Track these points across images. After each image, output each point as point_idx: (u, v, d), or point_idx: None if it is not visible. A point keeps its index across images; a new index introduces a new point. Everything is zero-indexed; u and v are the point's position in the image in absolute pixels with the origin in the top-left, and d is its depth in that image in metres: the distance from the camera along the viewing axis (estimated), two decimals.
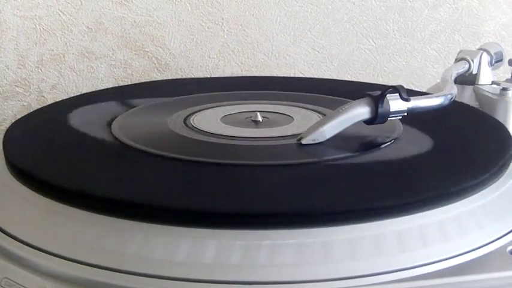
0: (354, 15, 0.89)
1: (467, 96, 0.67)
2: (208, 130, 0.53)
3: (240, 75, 0.88)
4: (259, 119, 0.55)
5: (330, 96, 0.64)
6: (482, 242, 0.40)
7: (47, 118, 0.58)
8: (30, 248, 0.40)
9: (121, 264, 0.37)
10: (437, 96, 0.52)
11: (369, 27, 0.90)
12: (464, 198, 0.42)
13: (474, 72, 0.67)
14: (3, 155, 0.49)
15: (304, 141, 0.49)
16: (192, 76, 0.87)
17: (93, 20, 0.83)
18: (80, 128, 0.54)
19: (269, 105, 0.60)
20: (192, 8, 0.85)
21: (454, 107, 0.55)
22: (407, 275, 0.37)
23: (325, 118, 0.50)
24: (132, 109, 0.60)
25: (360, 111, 0.49)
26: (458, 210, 0.41)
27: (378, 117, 0.49)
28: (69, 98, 0.68)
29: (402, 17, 0.90)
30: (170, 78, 0.85)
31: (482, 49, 0.68)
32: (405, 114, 0.50)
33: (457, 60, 0.68)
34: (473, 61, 0.67)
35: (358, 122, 0.49)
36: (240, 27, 0.87)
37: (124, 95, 0.66)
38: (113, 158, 0.48)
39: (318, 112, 0.58)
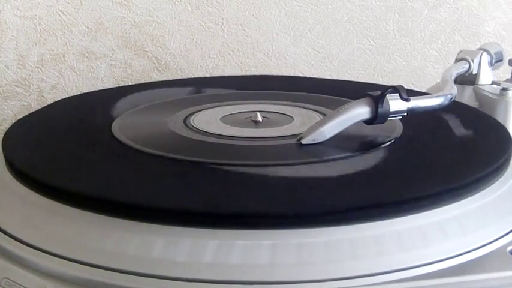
0: (354, 15, 0.89)
1: (467, 96, 0.67)
2: (208, 130, 0.53)
3: (240, 75, 0.88)
4: (259, 119, 0.55)
5: (330, 96, 0.64)
6: (482, 242, 0.40)
7: (47, 118, 0.58)
8: (30, 248, 0.40)
9: (121, 264, 0.37)
10: (437, 96, 0.52)
11: (369, 27, 0.90)
12: (464, 198, 0.42)
13: (474, 72, 0.67)
14: (3, 155, 0.49)
15: (304, 141, 0.49)
16: (192, 76, 0.87)
17: (93, 20, 0.83)
18: (79, 128, 0.54)
19: (269, 105, 0.60)
20: (192, 8, 0.85)
21: (454, 107, 0.55)
22: (407, 275, 0.37)
23: (325, 118, 0.50)
24: (132, 109, 0.60)
25: (360, 111, 0.49)
26: (458, 210, 0.41)
27: (377, 117, 0.49)
28: (69, 97, 0.68)
29: (402, 17, 0.90)
30: (170, 78, 0.85)
31: (482, 49, 0.68)
32: (405, 114, 0.50)
33: (457, 60, 0.68)
34: (473, 61, 0.67)
35: (358, 122, 0.49)
36: (240, 27, 0.87)
37: (124, 95, 0.66)
38: (113, 158, 0.48)
39: (318, 112, 0.58)
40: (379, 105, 0.49)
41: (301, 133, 0.50)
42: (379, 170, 0.45)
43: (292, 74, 0.89)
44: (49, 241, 0.40)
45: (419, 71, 0.92)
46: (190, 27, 0.86)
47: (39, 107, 0.63)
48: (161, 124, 0.54)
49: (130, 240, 0.38)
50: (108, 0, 0.82)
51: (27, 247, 0.40)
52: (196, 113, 0.58)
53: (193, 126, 0.54)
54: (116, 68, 0.85)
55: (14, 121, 0.58)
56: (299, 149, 0.48)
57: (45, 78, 0.83)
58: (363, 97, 0.50)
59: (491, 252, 0.40)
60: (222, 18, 0.86)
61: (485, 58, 0.67)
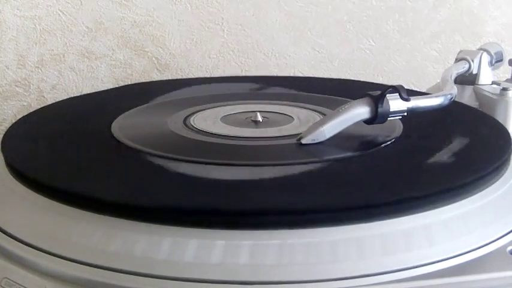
0: (354, 15, 0.89)
1: (467, 96, 0.67)
2: (208, 130, 0.53)
3: (240, 75, 0.88)
4: (259, 119, 0.55)
5: (330, 96, 0.64)
6: (482, 242, 0.40)
7: (47, 118, 0.58)
8: (30, 248, 0.40)
9: (121, 264, 0.37)
10: (437, 96, 0.52)
11: (369, 27, 0.90)
12: (464, 198, 0.42)
13: (474, 72, 0.67)
14: (2, 155, 0.49)
15: (304, 141, 0.49)
16: (192, 76, 0.87)
17: (93, 20, 0.83)
18: (80, 129, 0.54)
19: (269, 105, 0.60)
20: (192, 8, 0.85)
21: (454, 107, 0.55)
22: (407, 275, 0.37)
23: (325, 118, 0.50)
24: (132, 109, 0.60)
25: (360, 111, 0.49)
26: (458, 211, 0.41)
27: (377, 117, 0.49)
28: (69, 98, 0.68)
29: (402, 17, 0.90)
30: (170, 78, 0.85)
31: (482, 49, 0.68)
32: (405, 114, 0.50)
33: (457, 60, 0.68)
34: (473, 61, 0.67)
35: (358, 122, 0.49)
36: (240, 27, 0.87)
37: (124, 95, 0.66)
38: (113, 159, 0.48)
39: (318, 112, 0.58)
40: (379, 105, 0.49)
41: (301, 133, 0.50)
42: (379, 170, 0.45)
43: (292, 74, 0.89)
44: (49, 241, 0.40)
45: (419, 71, 0.92)
46: (190, 27, 0.86)
47: (39, 107, 0.63)
48: (161, 124, 0.54)
49: (131, 240, 0.38)
50: (108, 0, 0.83)
51: (27, 247, 0.40)
52: (196, 113, 0.58)
53: (193, 126, 0.54)
54: (116, 68, 0.85)
55: (14, 121, 0.58)
56: (299, 149, 0.48)
57: (45, 78, 0.83)
58: (362, 97, 0.50)
59: (491, 252, 0.40)
60: (222, 18, 0.86)
61: (485, 58, 0.67)
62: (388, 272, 0.37)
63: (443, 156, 0.48)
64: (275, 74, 0.88)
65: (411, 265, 0.37)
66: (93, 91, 0.77)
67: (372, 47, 0.90)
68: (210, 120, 0.55)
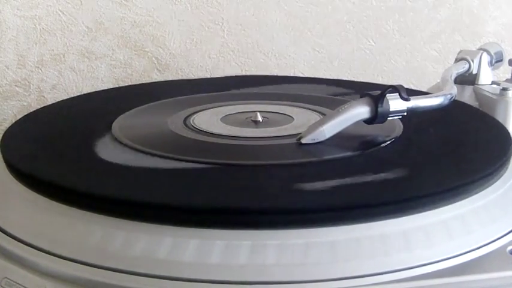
0: (354, 15, 0.89)
1: (467, 96, 0.67)
2: (208, 130, 0.53)
3: (240, 75, 0.88)
4: (259, 119, 0.55)
5: (330, 96, 0.64)
6: (482, 242, 0.40)
7: (47, 118, 0.58)
8: (30, 248, 0.40)
9: (121, 264, 0.37)
10: (437, 96, 0.52)
11: (369, 27, 0.90)
12: (464, 198, 0.42)
13: (474, 72, 0.67)
14: (2, 155, 0.49)
15: (304, 141, 0.49)
16: (192, 76, 0.87)
17: (93, 20, 0.83)
18: (80, 129, 0.54)
19: (269, 105, 0.60)
20: (192, 8, 0.85)
21: (454, 107, 0.55)
22: (406, 275, 0.37)
23: (325, 117, 0.50)
24: (132, 110, 0.60)
25: (360, 110, 0.49)
26: (458, 211, 0.41)
27: (377, 116, 0.49)
28: (69, 98, 0.68)
29: (402, 17, 0.90)
30: (170, 78, 0.85)
31: (482, 49, 0.68)
32: (405, 113, 0.50)
33: (457, 60, 0.68)
34: (473, 61, 0.67)
35: (358, 122, 0.49)
36: (240, 27, 0.87)
37: (124, 95, 0.66)
38: (113, 159, 0.48)
39: (318, 112, 0.58)
40: (379, 105, 0.49)
41: (301, 133, 0.50)
42: (379, 170, 0.45)
43: (292, 74, 0.89)
44: (49, 241, 0.40)
45: (419, 71, 0.92)
46: (190, 27, 0.86)
47: (39, 107, 0.63)
48: (161, 124, 0.54)
49: (130, 240, 0.38)
50: (108, 0, 0.83)
51: (27, 247, 0.40)
52: (196, 113, 0.58)
53: (193, 126, 0.54)
54: (116, 68, 0.85)
55: (14, 121, 0.58)
56: (299, 149, 0.48)
57: (45, 78, 0.83)
58: (362, 97, 0.50)
59: (491, 252, 0.40)
60: (222, 18, 0.86)
61: (485, 58, 0.67)
62: (388, 272, 0.37)
63: (443, 156, 0.48)
64: (275, 74, 0.88)
65: (411, 265, 0.37)
66: (93, 91, 0.77)
67: (372, 47, 0.90)
68: (210, 120, 0.55)
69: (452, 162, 0.46)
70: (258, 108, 0.58)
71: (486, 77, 0.67)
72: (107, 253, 0.38)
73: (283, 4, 0.87)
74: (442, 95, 0.52)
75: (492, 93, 0.64)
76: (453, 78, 0.61)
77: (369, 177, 0.44)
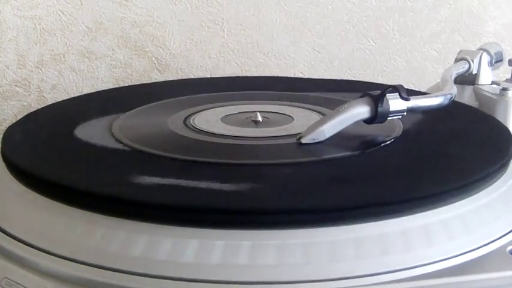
0: (354, 15, 0.89)
1: (467, 96, 0.67)
2: (208, 130, 0.53)
3: (240, 75, 0.88)
4: (259, 119, 0.55)
5: (330, 96, 0.64)
6: (482, 242, 0.40)
7: (47, 118, 0.58)
8: (30, 248, 0.40)
9: (121, 264, 0.37)
10: (437, 96, 0.52)
11: (369, 27, 0.90)
12: (464, 198, 0.42)
13: (474, 72, 0.67)
14: (2, 155, 0.49)
15: (304, 141, 0.49)
16: (192, 76, 0.87)
17: (93, 20, 0.83)
18: (80, 129, 0.54)
19: (269, 105, 0.60)
20: (192, 8, 0.85)
21: (454, 107, 0.55)
22: (406, 275, 0.37)
23: (325, 117, 0.50)
24: (132, 110, 0.60)
25: (360, 110, 0.49)
26: (458, 210, 0.41)
27: (377, 116, 0.49)
28: (70, 98, 0.68)
29: (402, 17, 0.90)
30: (170, 78, 0.85)
31: (482, 49, 0.68)
32: (405, 113, 0.50)
33: (457, 60, 0.68)
34: (473, 61, 0.67)
35: (358, 122, 0.49)
36: (240, 27, 0.87)
37: (124, 95, 0.66)
38: (113, 159, 0.48)
39: (318, 112, 0.58)
40: (379, 105, 0.49)
41: (301, 133, 0.50)
42: (379, 170, 0.45)
43: (292, 74, 0.89)
44: (49, 241, 0.40)
45: (419, 71, 0.92)
46: (190, 27, 0.86)
47: (39, 107, 0.63)
48: (161, 124, 0.54)
49: (130, 240, 0.38)
50: (108, 0, 0.83)
51: (27, 247, 0.40)
52: (197, 113, 0.58)
53: (193, 126, 0.54)
54: (116, 68, 0.85)
55: (14, 121, 0.58)
56: (299, 148, 0.48)
57: (45, 78, 0.83)
58: (362, 96, 0.50)
59: (491, 252, 0.40)
60: (222, 18, 0.86)
61: (485, 58, 0.67)
62: (388, 272, 0.37)
63: (443, 156, 0.48)
64: (275, 74, 0.88)
65: (411, 265, 0.37)
66: (93, 91, 0.77)
67: (372, 47, 0.90)
68: (210, 120, 0.55)
69: (452, 162, 0.46)
70: (258, 108, 0.58)
71: (486, 77, 0.67)
72: (107, 253, 0.38)
73: (283, 4, 0.87)
74: (442, 95, 0.52)
75: (492, 93, 0.64)
76: (453, 78, 0.61)
77: (369, 177, 0.44)
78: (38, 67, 0.82)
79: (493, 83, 0.67)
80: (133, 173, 0.45)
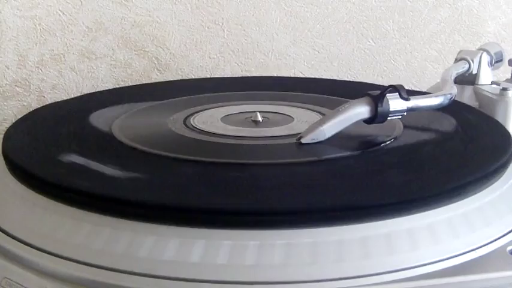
0: (354, 15, 0.89)
1: (467, 96, 0.67)
2: (208, 130, 0.53)
3: (240, 75, 0.88)
4: (259, 119, 0.55)
5: (330, 96, 0.64)
6: (482, 242, 0.40)
7: (47, 118, 0.58)
8: (30, 248, 0.40)
9: (121, 264, 0.37)
10: (437, 96, 0.52)
11: (369, 27, 0.90)
12: (464, 198, 0.42)
13: (474, 72, 0.67)
14: (3, 155, 0.49)
15: (304, 141, 0.49)
16: (192, 76, 0.87)
17: (93, 20, 0.83)
18: (80, 129, 0.54)
19: (269, 105, 0.60)
20: (192, 8, 0.85)
21: (454, 107, 0.55)
22: (407, 275, 0.37)
23: (325, 117, 0.50)
24: (132, 110, 0.60)
25: (360, 110, 0.49)
26: (458, 210, 0.41)
27: (377, 116, 0.49)
28: (70, 98, 0.68)
29: (402, 17, 0.90)
30: (170, 78, 0.85)
31: (482, 49, 0.68)
32: (405, 113, 0.50)
33: (457, 60, 0.68)
34: (473, 61, 0.67)
35: (358, 122, 0.49)
36: (240, 27, 0.87)
37: (124, 95, 0.66)
38: (114, 159, 0.48)
39: (318, 112, 0.58)
40: (379, 105, 0.49)
41: (301, 133, 0.50)
42: (379, 170, 0.45)
43: (292, 74, 0.89)
44: (49, 241, 0.40)
45: (419, 71, 0.92)
46: (190, 27, 0.86)
47: (39, 107, 0.63)
48: (161, 124, 0.54)
49: (131, 240, 0.38)
50: (108, 0, 0.82)
51: (27, 247, 0.40)
52: (197, 113, 0.58)
53: (193, 126, 0.54)
54: (116, 68, 0.85)
55: (14, 121, 0.58)
56: (299, 148, 0.48)
57: (45, 78, 0.83)
58: (362, 96, 0.50)
59: (491, 252, 0.40)
60: (222, 18, 0.86)
61: (485, 58, 0.67)
62: (389, 271, 0.37)
63: (443, 156, 0.48)
64: (275, 74, 0.88)
65: (411, 265, 0.37)
66: (93, 91, 0.77)
67: (371, 47, 0.90)
68: (211, 120, 0.55)
69: (453, 162, 0.46)
70: (258, 108, 0.58)
71: (486, 77, 0.67)
72: (113, 254, 0.38)
73: (283, 4, 0.87)
74: (442, 95, 0.52)
75: (492, 93, 0.64)
76: (453, 78, 0.61)
77: (370, 177, 0.44)
78: (38, 67, 0.82)
79: (493, 83, 0.67)
80: (134, 173, 0.45)
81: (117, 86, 0.82)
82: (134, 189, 0.42)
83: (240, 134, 0.52)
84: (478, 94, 0.66)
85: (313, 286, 0.36)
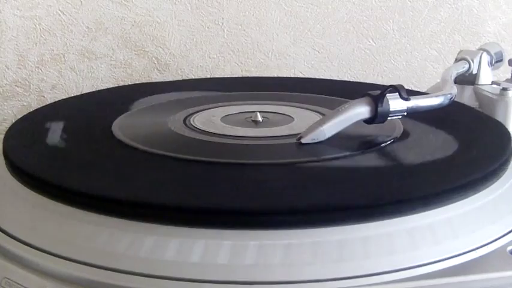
0: (354, 15, 0.89)
1: (467, 96, 0.67)
2: (208, 130, 0.53)
3: (240, 75, 0.88)
4: (259, 119, 0.55)
5: (330, 96, 0.64)
6: (482, 242, 0.40)
7: (47, 118, 0.58)
8: (30, 248, 0.40)
9: (121, 264, 0.37)
10: (437, 96, 0.52)
11: (369, 27, 0.90)
12: (464, 198, 0.42)
13: (474, 72, 0.67)
14: (3, 155, 0.49)
15: (304, 141, 0.49)
16: (192, 76, 0.87)
17: (93, 20, 0.83)
18: (80, 128, 0.54)
19: (269, 105, 0.60)
20: (192, 8, 0.85)
21: (454, 107, 0.55)
22: (407, 275, 0.37)
23: (325, 117, 0.50)
24: (132, 109, 0.60)
25: (360, 110, 0.49)
26: (458, 210, 0.41)
27: (377, 116, 0.49)
28: (70, 97, 0.68)
29: (402, 17, 0.90)
30: (170, 78, 0.85)
31: (482, 49, 0.68)
32: (405, 113, 0.50)
33: (457, 60, 0.68)
34: (473, 61, 0.67)
35: (358, 122, 0.49)
36: (240, 27, 0.87)
37: (124, 95, 0.66)
38: (114, 158, 0.48)
39: (318, 112, 0.58)
40: (379, 105, 0.49)
41: (301, 133, 0.50)
42: (379, 170, 0.45)
43: (292, 74, 0.89)
44: (49, 241, 0.40)
45: (419, 71, 0.92)
46: (190, 27, 0.86)
47: (39, 107, 0.63)
48: (161, 124, 0.54)
49: (130, 240, 0.38)
50: (108, 0, 0.82)
51: (27, 247, 0.40)
52: (197, 113, 0.58)
53: (193, 126, 0.54)
54: (116, 68, 0.85)
55: (14, 121, 0.58)
56: (299, 148, 0.48)
57: (45, 78, 0.83)
58: (362, 96, 0.50)
59: (491, 252, 0.40)
60: (222, 18, 0.86)
61: (485, 58, 0.67)
62: (389, 271, 0.37)
63: (443, 156, 0.48)
64: (275, 74, 0.88)
65: (411, 265, 0.37)
66: (94, 91, 0.77)
67: (371, 47, 0.90)
68: (210, 120, 0.55)
69: (453, 162, 0.46)
70: (258, 108, 0.58)
71: (486, 77, 0.67)
72: (113, 254, 0.38)
73: (283, 4, 0.87)
74: (442, 95, 0.52)
75: (492, 93, 0.64)
76: (453, 78, 0.61)
77: (370, 177, 0.44)
78: (38, 67, 0.82)
79: (493, 83, 0.67)
80: (135, 173, 0.45)
81: (117, 86, 0.82)
82: (134, 189, 0.42)
83: (240, 134, 0.52)
84: (478, 94, 0.66)
85: (314, 286, 0.36)
